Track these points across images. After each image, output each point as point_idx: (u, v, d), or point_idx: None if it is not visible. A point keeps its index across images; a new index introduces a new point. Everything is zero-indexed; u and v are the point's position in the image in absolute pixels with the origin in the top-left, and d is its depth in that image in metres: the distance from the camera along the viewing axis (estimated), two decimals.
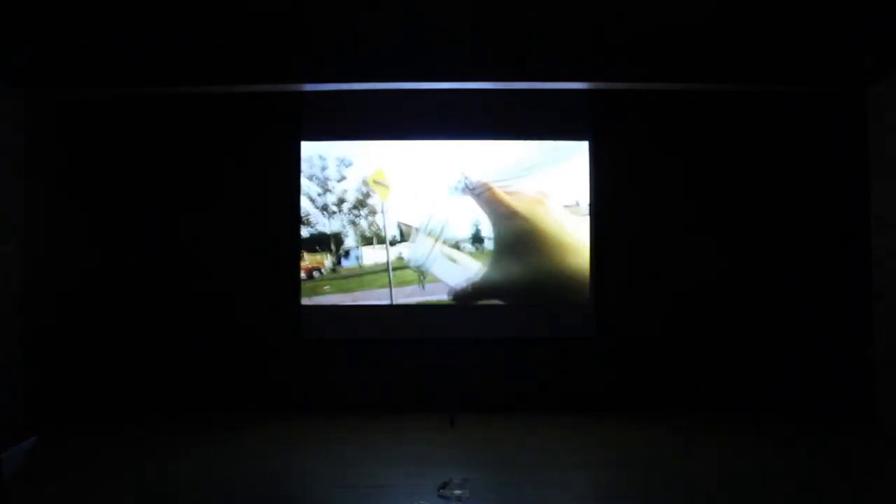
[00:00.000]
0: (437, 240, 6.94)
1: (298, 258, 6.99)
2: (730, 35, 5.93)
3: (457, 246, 6.98)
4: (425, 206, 7.00)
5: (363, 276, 6.97)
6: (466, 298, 7.00)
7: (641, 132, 7.08)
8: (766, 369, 6.89)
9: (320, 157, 7.01)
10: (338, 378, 6.96)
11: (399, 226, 6.97)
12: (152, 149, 6.95)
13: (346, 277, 6.97)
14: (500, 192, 7.05)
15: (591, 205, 7.03)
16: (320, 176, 6.98)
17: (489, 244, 7.01)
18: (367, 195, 6.97)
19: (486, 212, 7.04)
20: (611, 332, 7.00)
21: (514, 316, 7.00)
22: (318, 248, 6.99)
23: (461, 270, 7.00)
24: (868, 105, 6.21)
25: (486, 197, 7.03)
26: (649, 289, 7.00)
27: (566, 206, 7.04)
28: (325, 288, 6.96)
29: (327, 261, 6.97)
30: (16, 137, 5.77)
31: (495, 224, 7.03)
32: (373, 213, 6.98)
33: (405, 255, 6.97)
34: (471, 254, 6.99)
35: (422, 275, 6.92)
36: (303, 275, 6.98)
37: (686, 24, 5.90)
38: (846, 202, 6.72)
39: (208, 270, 6.93)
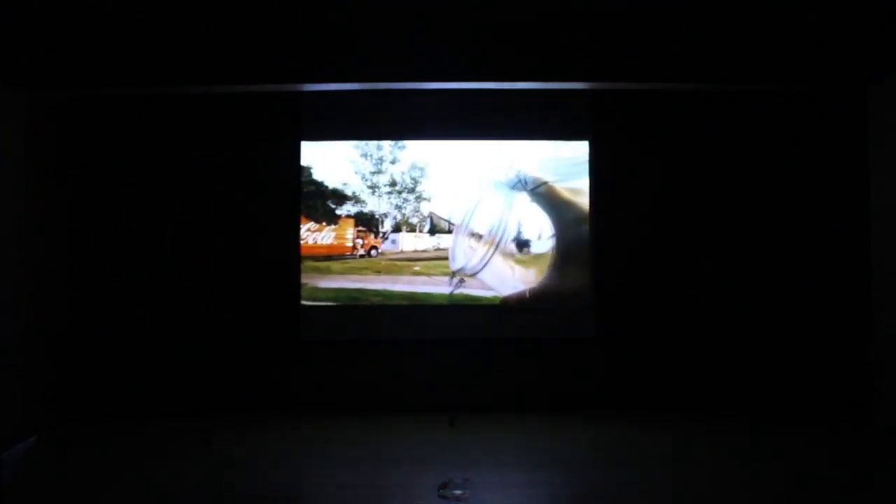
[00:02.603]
0: (496, 247, 6.71)
1: (299, 258, 6.98)
2: (730, 35, 5.93)
3: (515, 252, 6.79)
4: (473, 203, 6.87)
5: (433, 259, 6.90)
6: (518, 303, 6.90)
7: (642, 132, 7.08)
8: (766, 369, 6.88)
9: None
10: (337, 378, 6.95)
11: (431, 216, 6.92)
12: (152, 149, 6.94)
13: (419, 260, 6.89)
14: (562, 190, 6.72)
15: (590, 204, 7.02)
16: (375, 156, 6.97)
17: (550, 251, 6.82)
18: (416, 181, 6.90)
19: (548, 214, 6.75)
20: (611, 332, 7.00)
21: (514, 316, 7.00)
22: (362, 227, 6.98)
23: (515, 281, 6.90)
24: (868, 105, 6.22)
25: (546, 197, 6.70)
26: (649, 289, 6.99)
27: None
28: (416, 268, 6.90)
29: (380, 240, 6.94)
30: (16, 137, 5.77)
31: (559, 229, 6.82)
32: (420, 199, 6.94)
33: (458, 265, 6.84)
34: (527, 262, 6.80)
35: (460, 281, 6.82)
36: (362, 251, 6.97)
37: (686, 25, 5.90)
38: (846, 202, 6.73)
39: (208, 271, 6.92)
